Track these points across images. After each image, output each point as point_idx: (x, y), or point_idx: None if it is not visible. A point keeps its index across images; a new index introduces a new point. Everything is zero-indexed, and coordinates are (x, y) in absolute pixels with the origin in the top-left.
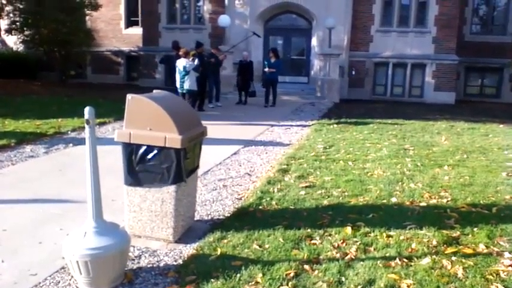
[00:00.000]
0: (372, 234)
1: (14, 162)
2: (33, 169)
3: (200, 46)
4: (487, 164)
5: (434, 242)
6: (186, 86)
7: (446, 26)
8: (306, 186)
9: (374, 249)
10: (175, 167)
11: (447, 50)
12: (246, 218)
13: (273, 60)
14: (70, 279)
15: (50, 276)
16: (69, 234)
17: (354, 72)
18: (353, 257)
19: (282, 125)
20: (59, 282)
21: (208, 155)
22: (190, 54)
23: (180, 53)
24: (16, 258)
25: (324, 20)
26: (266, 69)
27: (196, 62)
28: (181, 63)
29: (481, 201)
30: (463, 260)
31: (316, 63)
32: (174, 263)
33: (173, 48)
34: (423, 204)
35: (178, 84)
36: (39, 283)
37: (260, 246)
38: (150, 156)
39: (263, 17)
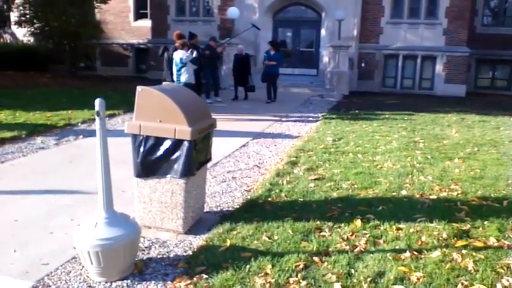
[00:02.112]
0: (382, 227)
1: (25, 154)
2: (44, 160)
3: (194, 37)
4: (498, 157)
5: (445, 235)
6: (183, 79)
7: (458, 17)
8: (315, 179)
9: (383, 241)
10: (185, 158)
11: (458, 42)
12: (255, 210)
13: (272, 52)
14: (81, 269)
15: (61, 266)
16: (80, 224)
17: (363, 65)
18: (362, 250)
19: (290, 118)
20: (70, 272)
21: (217, 147)
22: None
23: (177, 44)
24: (28, 248)
25: (334, 12)
26: (266, 62)
27: (194, 54)
28: (177, 55)
29: (492, 195)
30: (474, 253)
31: (326, 56)
32: (184, 254)
33: (190, 38)
34: (433, 197)
35: (175, 77)
36: (51, 272)
37: (269, 238)
38: (159, 147)
39: (272, 8)
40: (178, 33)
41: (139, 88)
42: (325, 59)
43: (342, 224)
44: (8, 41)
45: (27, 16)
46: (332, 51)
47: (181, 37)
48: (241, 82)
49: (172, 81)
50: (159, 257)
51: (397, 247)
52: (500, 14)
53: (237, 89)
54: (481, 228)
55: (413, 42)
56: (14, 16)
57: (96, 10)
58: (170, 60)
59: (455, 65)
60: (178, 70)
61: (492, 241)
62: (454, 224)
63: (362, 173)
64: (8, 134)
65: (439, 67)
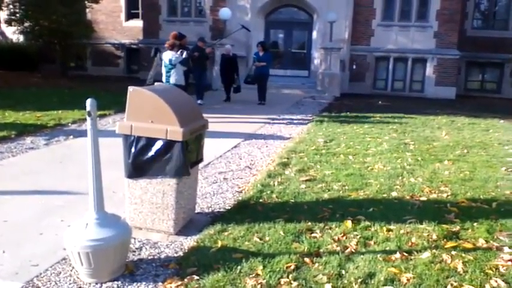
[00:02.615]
0: (372, 228)
1: (15, 154)
2: (33, 161)
3: (183, 38)
4: (487, 159)
5: (434, 236)
6: (172, 80)
7: (448, 20)
8: (307, 180)
9: (374, 243)
10: (176, 159)
11: (448, 44)
12: (246, 211)
13: (261, 53)
14: (71, 270)
15: (51, 267)
16: (71, 225)
17: (354, 67)
18: (353, 251)
19: (282, 119)
20: (60, 273)
21: (209, 148)
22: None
23: (166, 45)
24: (17, 249)
25: (325, 14)
26: (255, 64)
27: (184, 55)
28: (166, 56)
29: (481, 196)
30: (463, 255)
31: (317, 57)
32: (175, 255)
33: (179, 39)
34: (423, 198)
35: (164, 79)
36: (41, 274)
37: (261, 239)
38: (151, 148)
39: (264, 10)
40: (175, 34)
41: (130, 88)
42: (317, 61)
43: (333, 225)
44: None
45: (17, 15)
46: (324, 53)
47: (178, 38)
48: (228, 83)
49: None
50: (150, 258)
51: (387, 248)
52: (490, 17)
53: (227, 91)
54: (470, 230)
55: (404, 44)
56: (3, 15)
57: (88, 10)
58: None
59: (445, 68)
60: (168, 71)
61: (481, 242)
62: (443, 225)
63: (353, 174)
64: None
65: (429, 69)
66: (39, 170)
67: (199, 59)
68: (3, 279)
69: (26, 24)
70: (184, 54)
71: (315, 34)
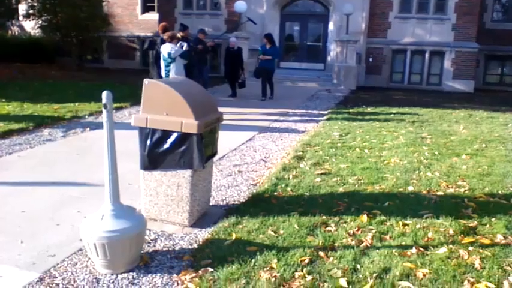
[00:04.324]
0: (388, 223)
1: (32, 146)
2: (51, 152)
3: (185, 29)
4: (505, 154)
5: (451, 232)
6: (172, 75)
7: (467, 13)
8: (322, 173)
9: (390, 237)
10: (191, 152)
11: (467, 37)
12: (261, 204)
13: (268, 46)
14: (87, 261)
15: (67, 257)
16: (87, 216)
17: (371, 59)
18: (368, 245)
19: (297, 112)
20: (77, 263)
21: (224, 141)
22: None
23: (165, 37)
24: (35, 239)
25: (342, 6)
26: (260, 57)
27: (184, 47)
28: (165, 49)
29: (500, 191)
30: (480, 250)
31: (333, 50)
32: (190, 247)
33: (181, 30)
34: (440, 193)
35: (163, 73)
36: (57, 264)
37: (275, 232)
38: (166, 141)
39: (280, 2)
40: (163, 25)
41: (146, 81)
42: (333, 53)
43: (348, 219)
44: (16, 33)
45: (35, 8)
46: (340, 45)
47: (167, 30)
48: (232, 78)
49: (160, 77)
50: (164, 249)
51: (403, 243)
52: (510, 10)
53: (232, 85)
54: (488, 225)
55: (421, 37)
56: (22, 9)
57: (104, 3)
58: (158, 56)
59: (463, 61)
60: (167, 65)
61: (499, 238)
62: (460, 220)
63: (369, 168)
64: (15, 126)
65: (447, 63)
66: (56, 162)
67: (201, 52)
68: (20, 269)
69: (44, 17)
70: (185, 47)
71: (330, 26)
